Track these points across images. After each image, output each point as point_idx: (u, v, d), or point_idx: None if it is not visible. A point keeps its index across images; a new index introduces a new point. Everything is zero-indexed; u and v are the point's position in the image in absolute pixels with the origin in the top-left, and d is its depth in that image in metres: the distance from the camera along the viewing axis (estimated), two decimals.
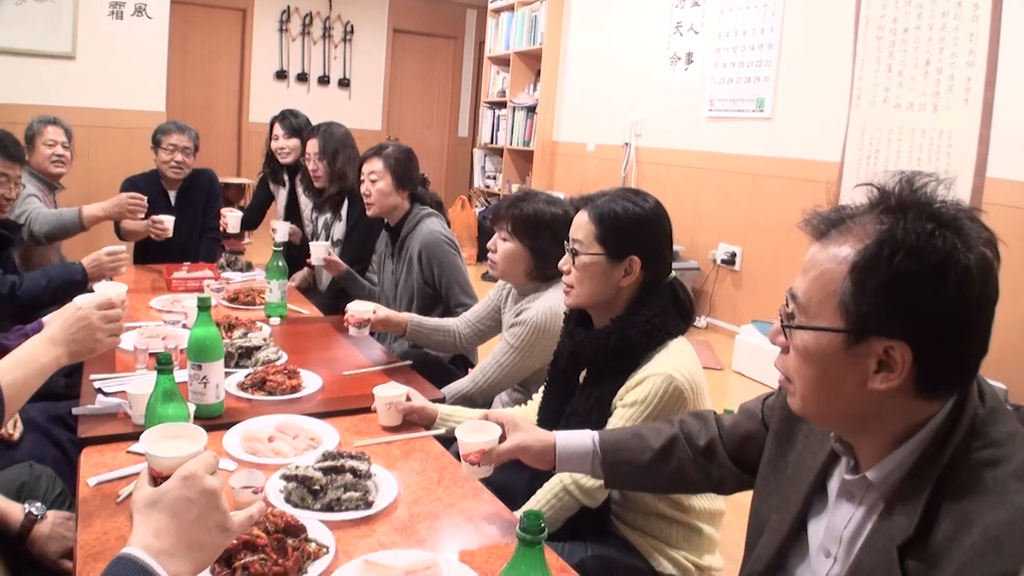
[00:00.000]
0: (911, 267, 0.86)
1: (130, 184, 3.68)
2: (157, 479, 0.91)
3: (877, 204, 0.93)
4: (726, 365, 4.62)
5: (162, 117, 4.82)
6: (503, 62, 7.41)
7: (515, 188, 7.21)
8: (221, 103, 8.51)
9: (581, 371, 1.65)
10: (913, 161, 4.05)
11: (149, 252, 3.66)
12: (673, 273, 1.65)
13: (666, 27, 5.79)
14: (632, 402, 1.49)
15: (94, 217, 3.13)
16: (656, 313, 1.56)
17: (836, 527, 1.00)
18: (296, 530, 1.20)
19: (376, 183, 2.83)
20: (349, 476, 1.38)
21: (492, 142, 7.65)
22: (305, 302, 3.06)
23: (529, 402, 1.91)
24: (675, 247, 5.38)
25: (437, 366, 2.47)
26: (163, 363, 1.34)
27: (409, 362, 2.29)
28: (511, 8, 7.21)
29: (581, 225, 1.63)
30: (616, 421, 1.50)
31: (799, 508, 1.07)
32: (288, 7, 8.59)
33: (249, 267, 3.51)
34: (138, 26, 5.47)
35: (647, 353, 1.53)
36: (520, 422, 1.40)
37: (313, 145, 3.52)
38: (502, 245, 2.22)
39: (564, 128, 6.94)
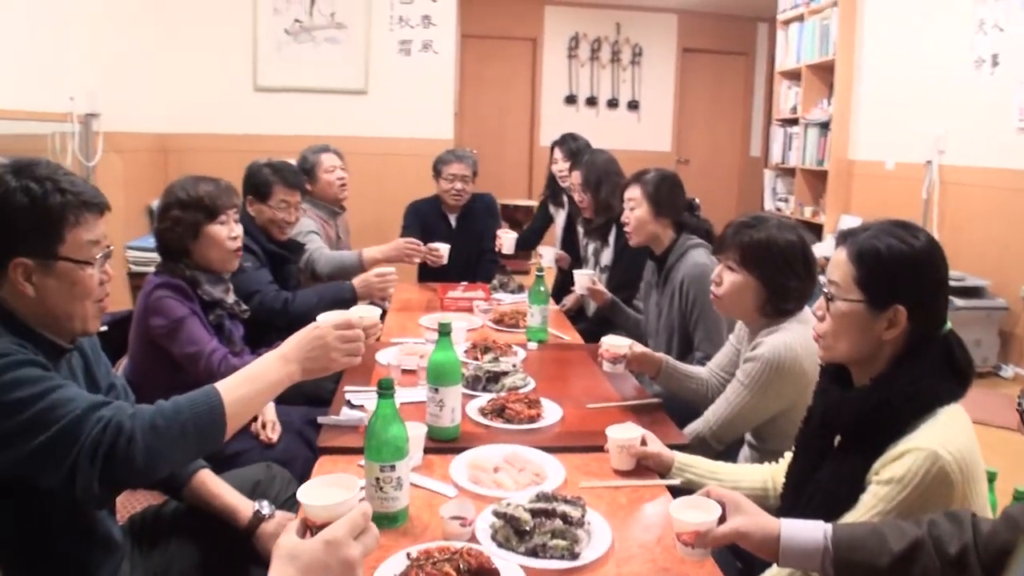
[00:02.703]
0: None
1: (413, 209, 3.96)
2: (308, 527, 0.93)
3: None
4: None
5: (450, 144, 5.15)
6: (794, 76, 6.95)
7: (808, 212, 6.69)
8: (513, 128, 9.00)
9: (835, 435, 1.42)
10: None
11: (431, 270, 3.75)
12: (948, 325, 1.36)
13: (968, 26, 4.97)
14: (888, 479, 1.24)
15: (373, 260, 3.31)
16: (924, 374, 1.29)
17: None
18: (489, 573, 1.16)
19: (635, 211, 2.74)
20: (559, 522, 1.31)
21: (783, 162, 7.18)
22: (569, 328, 3.07)
23: (781, 460, 1.70)
24: (980, 282, 4.59)
25: (685, 405, 2.32)
26: (384, 388, 1.38)
27: (659, 400, 2.18)
28: (800, 19, 6.74)
29: (838, 264, 1.39)
30: (868, 499, 1.27)
31: None
32: (576, 33, 8.86)
33: (520, 289, 3.60)
34: (426, 61, 5.92)
35: (912, 422, 1.27)
36: (743, 503, 1.23)
37: (576, 176, 3.51)
38: (728, 276, 2.02)
39: (861, 145, 6.26)
